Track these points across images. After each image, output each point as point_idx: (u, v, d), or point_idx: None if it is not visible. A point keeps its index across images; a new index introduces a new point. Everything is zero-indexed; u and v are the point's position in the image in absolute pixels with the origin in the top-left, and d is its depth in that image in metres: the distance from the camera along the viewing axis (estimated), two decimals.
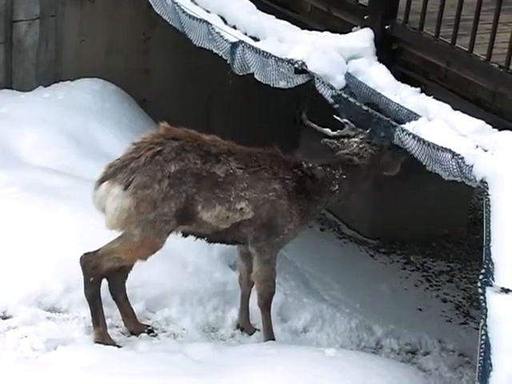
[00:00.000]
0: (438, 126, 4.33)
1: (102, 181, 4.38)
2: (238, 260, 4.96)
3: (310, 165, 4.67)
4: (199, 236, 4.63)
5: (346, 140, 4.66)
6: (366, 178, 4.81)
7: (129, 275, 4.68)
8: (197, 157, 4.40)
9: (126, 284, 4.70)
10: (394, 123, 4.42)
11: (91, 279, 4.44)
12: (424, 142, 4.21)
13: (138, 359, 4.34)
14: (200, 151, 4.43)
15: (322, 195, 4.68)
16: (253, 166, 4.52)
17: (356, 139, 4.65)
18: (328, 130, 4.69)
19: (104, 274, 4.48)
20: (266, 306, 4.78)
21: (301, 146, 7.86)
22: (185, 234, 4.62)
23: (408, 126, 4.38)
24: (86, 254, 4.46)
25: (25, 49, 6.97)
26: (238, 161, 4.49)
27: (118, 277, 4.61)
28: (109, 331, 4.57)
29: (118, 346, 4.50)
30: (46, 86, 7.06)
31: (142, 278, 4.88)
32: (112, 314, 4.71)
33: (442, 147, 4.13)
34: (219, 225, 4.48)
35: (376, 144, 4.64)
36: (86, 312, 4.58)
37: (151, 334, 4.74)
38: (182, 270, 5.16)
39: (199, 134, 4.53)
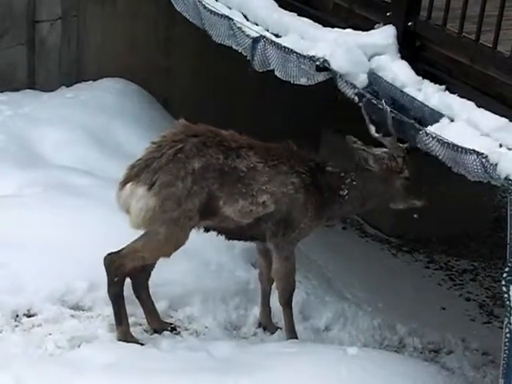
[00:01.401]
0: (461, 126, 4.29)
1: (125, 182, 4.40)
2: (257, 257, 4.96)
3: (327, 163, 4.66)
4: (221, 231, 4.63)
5: (375, 148, 4.59)
6: (374, 194, 4.68)
7: (152, 274, 4.70)
8: (218, 152, 4.42)
9: (149, 283, 4.72)
10: (417, 126, 4.38)
11: (115, 279, 4.46)
12: (448, 145, 4.18)
13: (161, 357, 4.35)
14: (221, 146, 4.44)
15: (332, 195, 4.64)
16: (272, 159, 4.53)
17: (385, 150, 4.57)
18: (372, 128, 4.60)
19: (128, 273, 4.50)
20: (287, 303, 4.77)
21: (322, 145, 7.85)
22: (207, 230, 4.62)
23: (431, 128, 4.34)
24: (109, 254, 4.48)
25: (47, 49, 7.02)
26: (258, 155, 4.50)
27: (141, 275, 4.63)
28: (132, 329, 4.59)
29: (141, 344, 4.51)
30: (68, 86, 7.10)
31: (165, 277, 4.90)
32: (135, 312, 4.73)
33: (466, 149, 4.09)
34: (243, 219, 4.49)
35: (396, 164, 4.57)
36: (109, 310, 4.60)
37: (174, 332, 4.76)
38: (204, 269, 5.18)
39: (218, 129, 4.54)
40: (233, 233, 4.64)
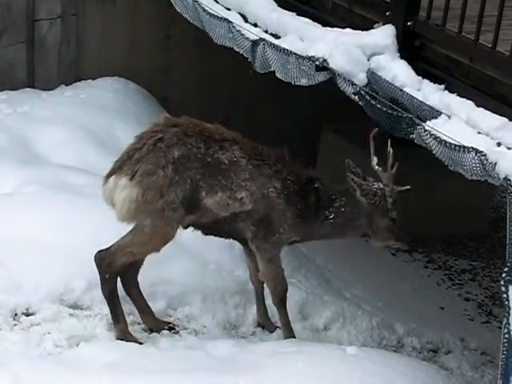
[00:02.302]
0: (458, 124, 4.29)
1: (109, 175, 4.42)
2: (245, 257, 4.93)
3: (317, 180, 4.62)
4: (198, 227, 4.59)
5: (370, 181, 4.56)
6: (356, 226, 4.64)
7: (151, 273, 4.70)
8: (199, 141, 4.41)
9: (148, 282, 4.73)
10: (417, 121, 4.39)
11: (107, 276, 4.46)
12: (445, 143, 4.18)
13: (160, 356, 4.35)
14: (202, 136, 4.43)
15: (317, 212, 4.59)
16: (256, 159, 4.50)
17: (377, 186, 4.54)
18: (375, 160, 4.57)
19: (119, 269, 4.49)
20: (280, 303, 4.76)
21: (321, 144, 7.85)
22: (186, 226, 4.57)
23: (429, 125, 4.34)
24: (99, 251, 4.48)
25: (47, 48, 7.01)
26: (242, 150, 4.48)
27: (129, 272, 4.62)
28: (130, 328, 4.60)
29: (140, 343, 4.51)
30: (67, 85, 7.10)
31: (164, 276, 4.90)
32: (133, 311, 4.73)
33: (463, 148, 4.09)
34: (219, 212, 4.46)
35: (385, 204, 4.54)
36: (108, 309, 4.59)
37: (172, 331, 4.76)
38: (203, 268, 5.18)
39: (201, 121, 4.53)
40: (209, 227, 4.59)
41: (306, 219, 4.62)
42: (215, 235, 4.73)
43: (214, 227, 4.59)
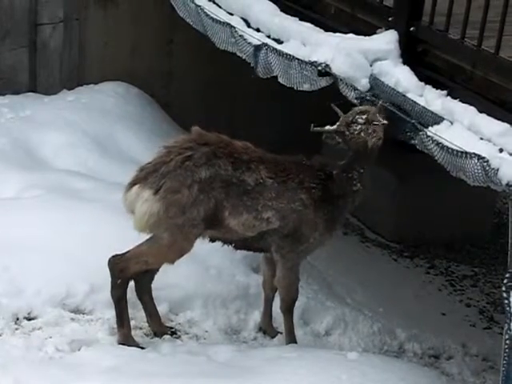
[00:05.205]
0: (461, 130, 4.30)
1: (133, 183, 4.39)
2: (261, 264, 4.94)
3: (332, 171, 4.58)
4: (226, 242, 4.62)
5: (348, 130, 4.48)
6: (375, 158, 4.57)
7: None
8: (227, 163, 4.38)
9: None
10: (419, 126, 4.39)
11: (118, 281, 4.46)
12: (448, 149, 4.19)
13: (161, 361, 4.35)
14: (231, 158, 4.40)
15: (345, 199, 4.60)
16: (281, 175, 4.48)
17: (359, 124, 4.45)
18: (328, 127, 4.54)
19: (131, 276, 4.50)
20: (288, 310, 4.77)
21: (324, 150, 7.84)
22: (212, 240, 4.61)
23: (431, 131, 4.35)
24: (113, 256, 4.48)
25: (49, 52, 7.02)
26: (268, 169, 4.45)
27: (144, 278, 4.63)
28: (132, 333, 4.59)
29: (142, 348, 4.52)
30: (69, 89, 7.10)
31: (166, 281, 4.89)
32: (136, 315, 4.73)
33: (465, 154, 4.10)
34: (245, 232, 4.47)
35: (379, 120, 4.42)
36: (109, 313, 4.61)
37: (174, 335, 4.76)
38: (204, 273, 5.18)
39: (231, 139, 4.51)
40: (238, 244, 4.62)
41: (339, 214, 4.60)
42: (247, 250, 4.77)
43: (243, 244, 4.62)
